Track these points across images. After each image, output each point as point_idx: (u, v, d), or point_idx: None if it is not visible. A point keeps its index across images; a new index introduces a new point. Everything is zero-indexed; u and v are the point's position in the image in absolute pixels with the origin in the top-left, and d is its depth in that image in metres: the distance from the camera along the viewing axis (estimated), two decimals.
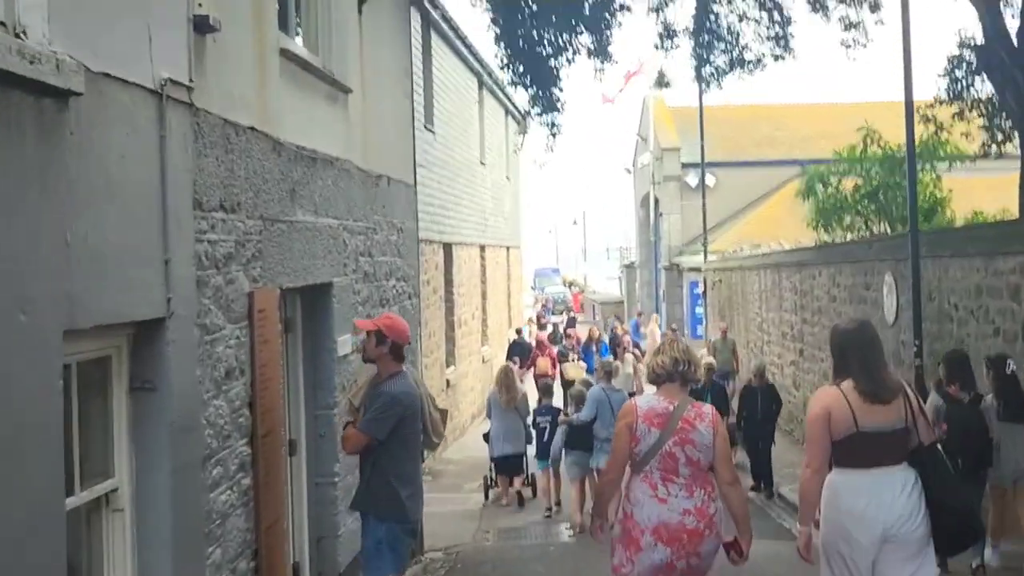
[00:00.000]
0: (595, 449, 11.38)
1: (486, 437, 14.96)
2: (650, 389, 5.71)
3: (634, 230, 48.77)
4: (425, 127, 17.84)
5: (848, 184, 17.99)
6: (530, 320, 32.37)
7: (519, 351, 24.28)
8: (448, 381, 19.42)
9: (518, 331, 29.67)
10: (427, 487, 16.41)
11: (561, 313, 48.43)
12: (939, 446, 5.55)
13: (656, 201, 40.92)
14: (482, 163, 24.75)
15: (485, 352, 24.12)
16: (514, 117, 31.30)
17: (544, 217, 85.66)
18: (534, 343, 24.45)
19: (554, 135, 16.86)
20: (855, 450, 5.16)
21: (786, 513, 12.75)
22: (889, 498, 5.09)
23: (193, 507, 4.91)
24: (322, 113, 7.44)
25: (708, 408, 5.48)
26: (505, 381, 14.26)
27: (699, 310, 33.53)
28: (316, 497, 7.38)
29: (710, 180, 35.15)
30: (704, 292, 31.71)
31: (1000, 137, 15.83)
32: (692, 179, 38.24)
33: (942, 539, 5.22)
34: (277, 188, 6.23)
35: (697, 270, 34.30)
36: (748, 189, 38.20)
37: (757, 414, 14.16)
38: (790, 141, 39.91)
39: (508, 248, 29.69)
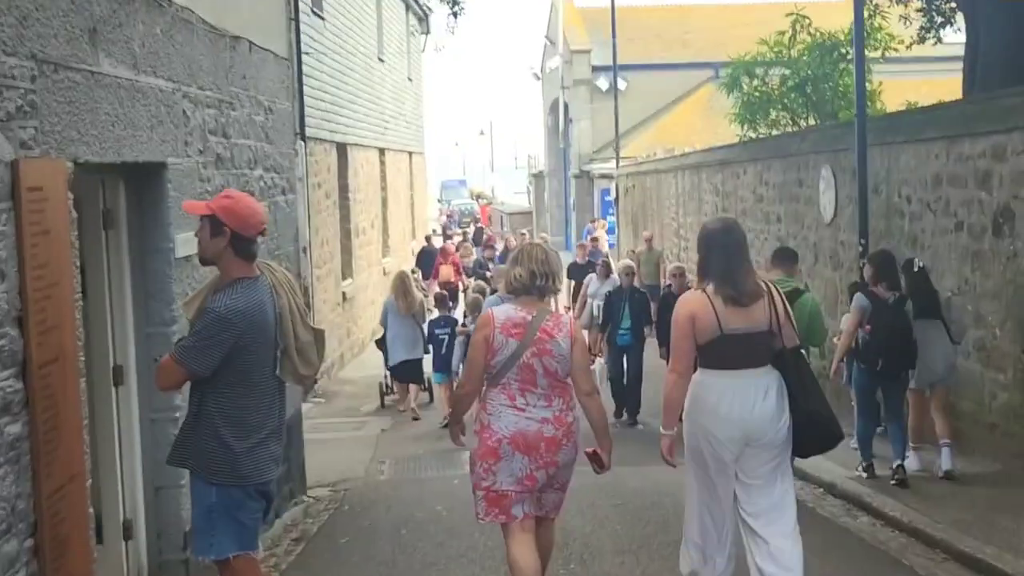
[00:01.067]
0: None
1: (379, 344, 14.57)
2: None
3: (543, 138, 47.11)
4: (313, 11, 15.92)
5: (775, 77, 16.62)
6: (434, 232, 30.75)
7: (429, 260, 22.75)
8: (344, 294, 17.80)
9: (427, 238, 28.31)
10: (319, 411, 15.18)
11: (468, 225, 46.88)
12: (803, 352, 5.58)
13: (566, 107, 39.31)
14: (380, 59, 22.84)
15: (387, 264, 22.45)
16: (416, 14, 29.28)
17: (450, 129, 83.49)
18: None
19: (455, 14, 15.15)
20: (719, 352, 5.16)
21: None
22: (752, 400, 5.11)
23: None
24: None
25: (566, 317, 5.40)
26: (401, 287, 13.53)
27: (611, 218, 32.21)
28: (152, 437, 5.80)
29: (621, 84, 33.62)
30: (616, 199, 30.40)
31: (940, 20, 14.59)
32: (603, 83, 36.70)
33: (801, 442, 5.24)
34: (64, 22, 4.52)
35: (609, 177, 32.96)
36: (660, 94, 36.80)
37: None
38: (702, 43, 38.48)
39: (411, 154, 27.89)
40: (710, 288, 5.18)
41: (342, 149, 18.25)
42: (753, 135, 16.98)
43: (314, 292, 15.21)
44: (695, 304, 5.18)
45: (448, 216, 39.45)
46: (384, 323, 14.03)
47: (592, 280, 14.32)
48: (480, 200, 64.35)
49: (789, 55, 16.41)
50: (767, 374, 5.18)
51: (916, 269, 8.44)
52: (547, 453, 5.10)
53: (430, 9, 30.86)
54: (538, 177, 49.84)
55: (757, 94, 16.70)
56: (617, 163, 31.13)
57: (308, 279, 14.56)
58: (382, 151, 22.78)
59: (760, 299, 5.18)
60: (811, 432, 5.19)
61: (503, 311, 5.28)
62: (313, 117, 15.62)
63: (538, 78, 45.72)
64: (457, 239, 30.88)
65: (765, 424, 5.11)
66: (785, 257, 8.62)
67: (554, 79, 40.91)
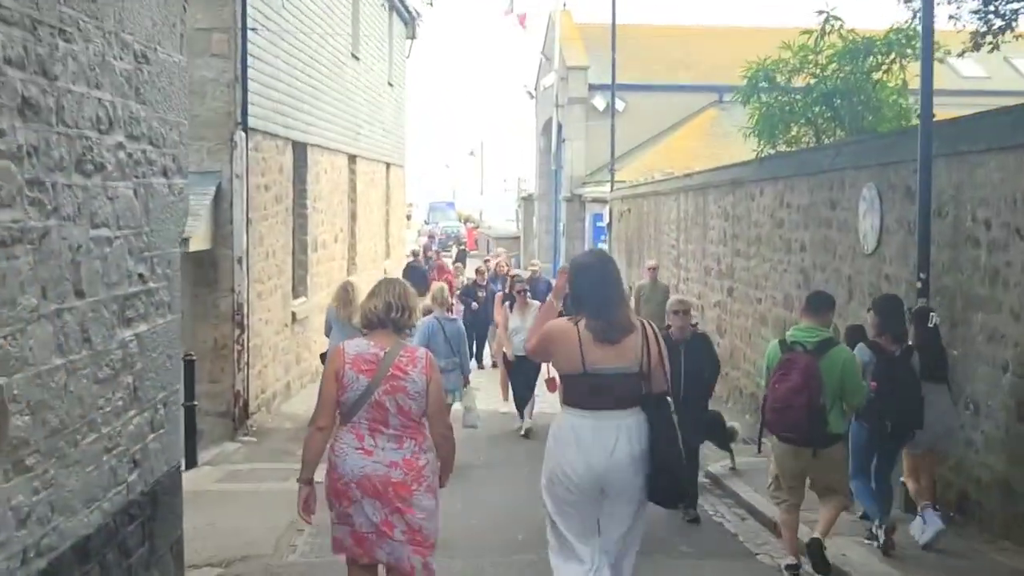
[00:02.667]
0: None
1: (323, 358, 12.34)
2: None
3: (534, 160, 44.93)
4: None
5: (800, 83, 14.41)
6: (413, 253, 28.39)
7: (416, 277, 20.27)
8: (295, 315, 15.50)
9: (414, 253, 26.04)
10: (245, 453, 12.57)
11: (450, 247, 44.67)
12: (668, 400, 5.30)
13: (559, 126, 37.14)
14: (354, 56, 20.63)
15: (353, 283, 20.11)
16: (401, 16, 27.14)
17: (441, 150, 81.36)
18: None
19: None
20: (581, 390, 5.08)
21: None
22: (612, 442, 5.01)
23: None
24: None
25: (422, 352, 5.20)
26: (344, 296, 12.02)
27: (602, 245, 30.00)
28: None
29: (619, 105, 31.62)
30: (609, 224, 28.20)
31: (999, 23, 12.44)
32: (599, 102, 34.63)
33: (653, 491, 5.14)
34: None
35: (602, 201, 30.80)
36: (660, 116, 34.72)
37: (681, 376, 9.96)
38: (705, 66, 36.52)
39: (389, 165, 25.65)
40: (582, 322, 5.08)
41: (300, 149, 16.00)
42: (771, 152, 14.77)
43: (251, 310, 12.92)
44: (560, 335, 5.11)
45: (429, 237, 37.05)
46: (327, 333, 12.15)
47: None
48: (468, 223, 62.42)
49: (816, 61, 14.20)
50: (631, 416, 5.07)
51: (932, 324, 7.81)
52: (396, 498, 4.97)
53: (418, 12, 28.80)
54: (527, 200, 47.65)
55: (778, 105, 14.49)
56: (612, 185, 28.98)
57: (242, 294, 12.27)
58: (352, 158, 20.54)
59: (631, 335, 5.09)
60: (659, 483, 5.10)
61: (354, 345, 5.13)
62: (261, 107, 13.39)
63: (532, 96, 43.63)
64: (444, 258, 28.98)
65: (622, 470, 5.03)
66: (820, 304, 7.50)
67: (548, 98, 38.82)
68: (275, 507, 9.46)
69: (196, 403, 11.35)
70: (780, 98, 14.60)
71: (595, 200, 31.95)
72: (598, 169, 34.46)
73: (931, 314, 7.89)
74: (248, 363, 12.80)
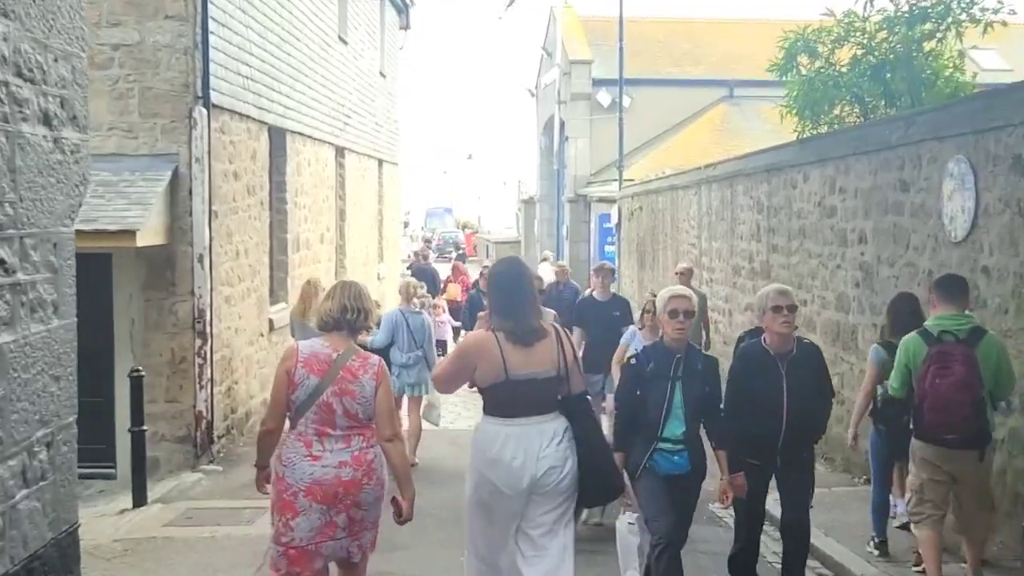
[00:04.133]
0: (391, 375, 9.93)
1: None
2: None
3: (535, 161, 43.10)
4: None
5: (843, 54, 12.58)
6: (418, 252, 26.39)
7: (425, 278, 18.05)
8: (272, 322, 13.65)
9: (422, 255, 24.09)
10: (207, 486, 9.67)
11: (449, 253, 42.85)
12: (587, 403, 5.37)
13: (562, 124, 35.32)
14: (342, 39, 18.82)
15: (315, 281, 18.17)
16: (393, 2, 25.35)
17: (437, 155, 79.74)
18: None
19: None
20: (504, 399, 5.07)
21: None
22: (537, 448, 5.00)
23: None
24: None
25: (375, 359, 5.23)
26: (304, 294, 11.04)
27: (609, 248, 28.19)
28: None
29: (624, 100, 29.83)
30: (618, 224, 26.37)
31: None
32: (604, 97, 32.83)
33: (581, 491, 5.14)
34: None
35: (608, 200, 28.99)
36: (667, 112, 32.89)
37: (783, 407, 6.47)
38: (715, 60, 34.85)
39: (381, 162, 23.82)
40: (497, 329, 5.09)
41: (278, 135, 14.18)
42: (812, 133, 12.97)
43: (217, 317, 11.10)
44: (482, 343, 5.10)
45: (426, 242, 35.20)
46: (293, 334, 10.92)
47: (636, 337, 9.38)
48: (466, 229, 60.80)
49: (863, 28, 12.39)
50: (554, 420, 5.09)
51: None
52: (347, 496, 4.99)
53: (412, 1, 27.05)
54: (528, 203, 45.79)
55: (820, 78, 12.67)
56: (620, 183, 27.18)
57: (204, 298, 10.46)
58: (340, 150, 18.71)
59: (544, 339, 5.10)
60: (590, 482, 5.08)
61: (309, 345, 5.16)
62: (228, 81, 11.58)
63: (532, 95, 41.85)
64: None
65: (551, 472, 5.00)
66: (955, 288, 6.60)
67: (549, 95, 37.00)
68: (234, 562, 7.65)
69: (146, 428, 9.53)
70: (824, 71, 12.76)
71: (601, 200, 30.16)
72: (603, 168, 32.69)
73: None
74: (212, 379, 10.95)
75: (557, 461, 4.99)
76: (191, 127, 10.52)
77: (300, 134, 15.36)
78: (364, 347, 11.52)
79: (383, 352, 10.72)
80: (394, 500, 5.12)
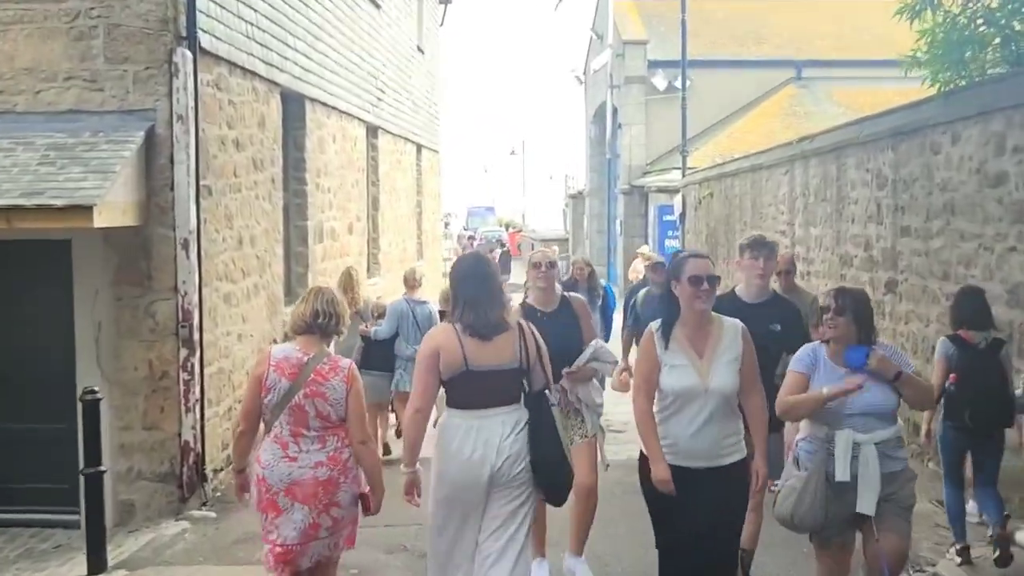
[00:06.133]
0: (396, 369, 10.12)
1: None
2: None
3: (584, 152, 40.59)
4: None
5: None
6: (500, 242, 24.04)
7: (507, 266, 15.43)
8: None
9: (504, 244, 21.43)
10: (191, 541, 5.87)
11: (492, 252, 40.48)
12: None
13: (614, 111, 32.82)
14: (374, 2, 16.46)
15: (374, 286, 15.81)
16: None
17: (478, 154, 77.52)
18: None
19: None
20: (465, 390, 5.11)
21: None
22: (497, 438, 5.05)
23: None
24: None
25: (346, 363, 5.33)
26: (347, 283, 10.12)
27: (670, 242, 25.60)
28: None
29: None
30: (683, 215, 23.80)
31: None
32: (660, 81, 30.32)
33: (539, 486, 5.19)
34: None
35: (669, 191, 26.46)
36: (729, 96, 30.33)
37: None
38: (781, 39, 32.31)
39: (420, 147, 21.45)
40: (457, 323, 5.13)
41: (295, 101, 11.82)
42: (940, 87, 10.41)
43: (211, 319, 8.75)
44: (441, 337, 5.15)
45: (469, 238, 32.80)
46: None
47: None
48: (509, 228, 58.55)
49: None
50: (515, 411, 5.14)
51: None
52: (325, 496, 5.11)
53: None
54: (576, 198, 43.30)
55: (964, 16, 10.09)
56: (683, 169, 24.64)
57: (192, 296, 8.10)
58: (373, 129, 16.34)
59: (505, 333, 5.14)
60: (543, 476, 5.12)
61: (282, 349, 5.33)
62: (225, 24, 9.25)
63: (580, 81, 39.34)
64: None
65: (511, 461, 5.04)
66: None
67: (600, 80, 34.52)
68: None
69: (104, 469, 7.16)
70: (967, 13, 10.16)
71: (660, 190, 27.60)
72: (660, 156, 30.19)
73: None
74: (203, 399, 8.58)
75: (515, 451, 5.05)
76: (171, 75, 8.15)
77: (323, 104, 12.99)
78: (367, 338, 10.15)
79: (388, 344, 10.10)
80: (363, 496, 5.28)
